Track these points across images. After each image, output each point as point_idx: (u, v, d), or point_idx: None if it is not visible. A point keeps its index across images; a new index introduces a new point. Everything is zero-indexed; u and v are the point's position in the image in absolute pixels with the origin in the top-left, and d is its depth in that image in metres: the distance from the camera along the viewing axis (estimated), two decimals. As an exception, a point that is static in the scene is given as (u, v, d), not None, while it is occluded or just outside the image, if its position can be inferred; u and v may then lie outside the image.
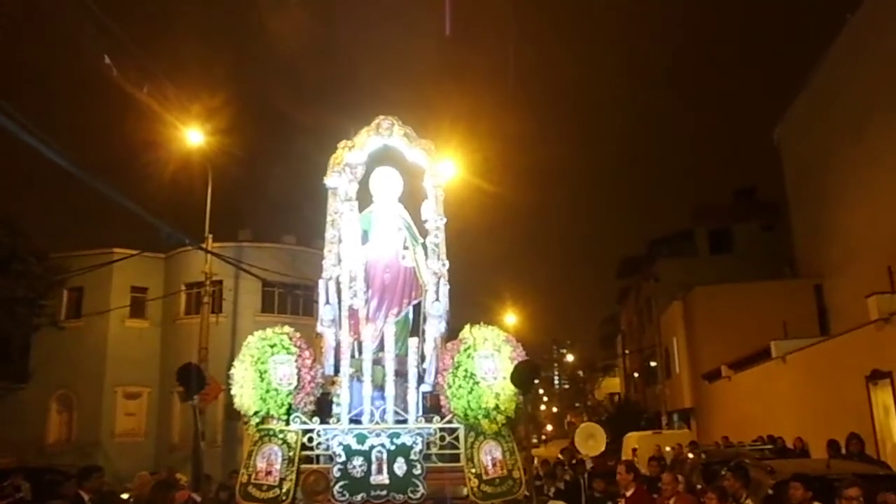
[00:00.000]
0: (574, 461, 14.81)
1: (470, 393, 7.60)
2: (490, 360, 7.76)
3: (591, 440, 14.67)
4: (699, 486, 9.88)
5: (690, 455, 15.97)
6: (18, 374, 27.38)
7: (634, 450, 19.53)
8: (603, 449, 15.08)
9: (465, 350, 7.82)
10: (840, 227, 23.60)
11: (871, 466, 9.72)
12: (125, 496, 10.96)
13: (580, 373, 70.32)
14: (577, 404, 70.68)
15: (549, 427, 78.05)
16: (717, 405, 26.79)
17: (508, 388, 7.62)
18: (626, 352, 47.30)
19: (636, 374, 44.26)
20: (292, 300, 28.47)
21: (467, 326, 8.05)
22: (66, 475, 12.78)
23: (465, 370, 7.70)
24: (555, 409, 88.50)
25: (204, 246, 19.83)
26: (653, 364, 37.35)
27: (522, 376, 7.53)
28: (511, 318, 45.07)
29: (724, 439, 19.09)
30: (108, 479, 10.72)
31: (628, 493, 8.42)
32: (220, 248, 22.67)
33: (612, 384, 57.87)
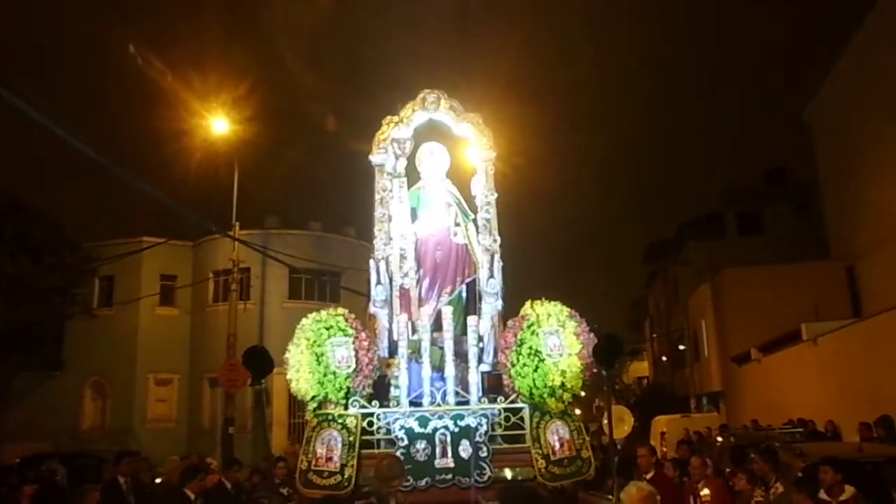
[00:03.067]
0: (605, 444, 14.76)
1: (535, 371, 7.35)
2: (555, 337, 7.51)
3: (619, 423, 14.62)
4: (728, 470, 9.79)
5: (720, 438, 15.84)
6: (52, 362, 27.96)
7: (663, 433, 19.41)
8: (630, 431, 15.03)
9: (529, 327, 7.57)
10: (873, 207, 23.13)
11: (903, 449, 9.55)
12: (158, 480, 11.12)
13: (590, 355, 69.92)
14: (605, 388, 70.42)
15: (578, 411, 77.88)
16: (747, 388, 26.52)
17: (574, 365, 7.39)
18: (654, 335, 46.98)
19: (664, 358, 43.95)
20: (319, 286, 28.65)
21: (528, 302, 7.79)
22: (101, 460, 13.03)
23: (530, 347, 7.45)
24: (583, 394, 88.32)
25: (231, 233, 19.98)
26: (681, 347, 37.05)
27: (606, 350, 7.30)
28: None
29: (754, 422, 18.89)
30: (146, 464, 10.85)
31: (648, 476, 8.38)
32: (247, 235, 22.85)
33: (641, 368, 57.49)
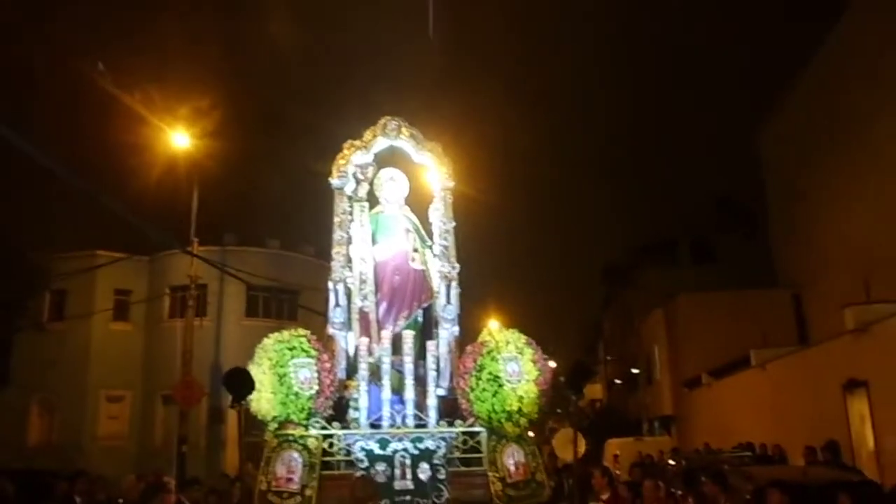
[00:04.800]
0: (561, 466, 14.98)
1: (494, 396, 7.58)
2: (514, 363, 7.77)
3: (570, 445, 14.81)
4: (679, 493, 10.07)
5: (671, 461, 16.19)
6: (-2, 377, 27.17)
7: (616, 456, 19.73)
8: (582, 454, 15.21)
9: (489, 353, 7.80)
10: (817, 237, 23.99)
11: (845, 473, 9.96)
12: (121, 501, 10.93)
13: (562, 378, 70.51)
14: (558, 410, 70.89)
15: (531, 434, 78.17)
16: (698, 412, 27.08)
17: (531, 391, 7.64)
18: (608, 358, 47.57)
19: (618, 381, 44.52)
20: (277, 304, 28.50)
21: (486, 329, 8.15)
22: (54, 476, 12.74)
23: (490, 373, 7.68)
24: (536, 416, 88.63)
25: (189, 249, 19.85)
26: (634, 371, 37.63)
27: (576, 377, 7.53)
28: (494, 323, 45.19)
29: (706, 446, 19.33)
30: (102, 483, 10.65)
31: (604, 497, 8.61)
32: (205, 251, 22.67)
33: (594, 391, 58.01)
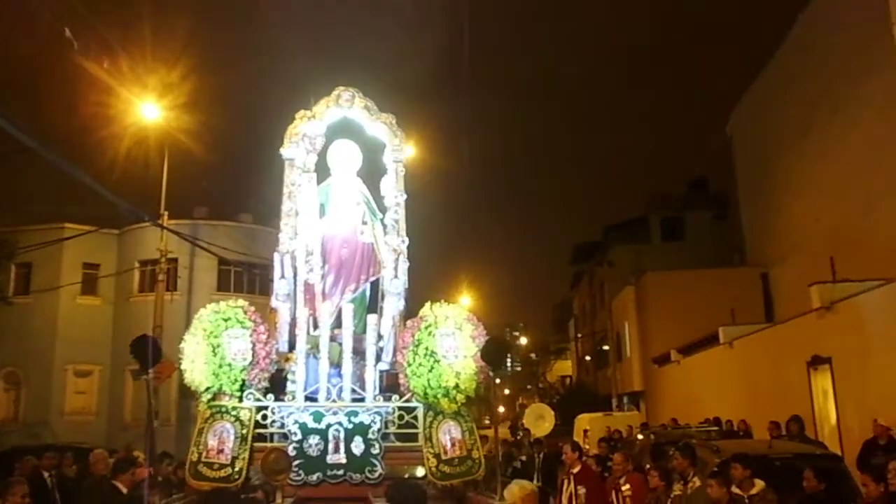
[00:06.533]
0: (532, 440, 15.18)
1: (430, 371, 7.51)
2: (451, 339, 7.65)
3: (540, 421, 15.01)
4: (647, 466, 10.25)
5: (640, 436, 16.44)
6: (-38, 351, 26.73)
7: (586, 431, 19.99)
8: (551, 429, 15.41)
9: (426, 328, 7.71)
10: (785, 217, 24.35)
11: (808, 446, 10.21)
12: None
13: (533, 355, 71.18)
14: (528, 386, 71.61)
15: (502, 409, 78.98)
16: (667, 388, 27.49)
17: (469, 367, 7.54)
18: (579, 335, 48.06)
19: (588, 358, 45.03)
20: (248, 279, 28.28)
21: (427, 304, 7.92)
22: (18, 452, 12.60)
23: (426, 348, 7.60)
24: (507, 391, 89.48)
25: (160, 222, 19.60)
26: (605, 348, 38.06)
27: (493, 353, 7.49)
28: (465, 299, 45.38)
29: (673, 421, 19.64)
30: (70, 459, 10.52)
31: (574, 471, 8.73)
32: (176, 225, 22.43)
33: (565, 367, 58.71)
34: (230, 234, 27.03)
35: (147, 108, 18.64)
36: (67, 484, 9.60)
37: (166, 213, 19.98)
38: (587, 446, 17.18)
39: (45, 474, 9.22)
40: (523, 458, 14.00)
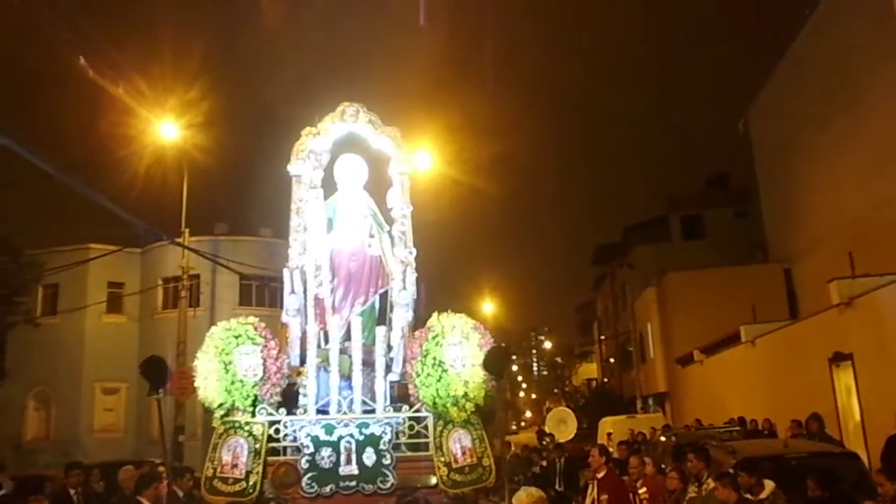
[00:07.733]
0: (553, 446, 15.16)
1: (438, 381, 7.55)
2: (458, 348, 7.69)
3: (562, 425, 15.01)
4: (667, 468, 10.24)
5: (662, 438, 16.38)
6: (-7, 373, 27.25)
7: (609, 434, 19.93)
8: (574, 433, 15.38)
9: (434, 338, 7.76)
10: (806, 212, 24.10)
11: (825, 445, 10.14)
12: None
13: (558, 359, 71.03)
14: (555, 390, 71.42)
15: (529, 413, 78.79)
16: (690, 389, 27.30)
17: (477, 376, 7.58)
18: (602, 338, 47.87)
19: (612, 360, 44.83)
20: (269, 293, 28.49)
21: (435, 314, 7.97)
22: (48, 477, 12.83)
23: (434, 358, 7.64)
24: (534, 396, 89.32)
25: (180, 241, 19.88)
26: (628, 349, 37.90)
27: (495, 362, 7.55)
28: (489, 306, 45.49)
29: (697, 422, 19.54)
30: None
31: (599, 475, 8.74)
32: (197, 242, 22.71)
33: (590, 370, 58.45)
34: (251, 248, 27.37)
35: (166, 127, 18.94)
36: (94, 501, 9.75)
37: (187, 230, 20.24)
38: (611, 449, 17.16)
39: (72, 492, 9.37)
40: (544, 462, 14.00)
